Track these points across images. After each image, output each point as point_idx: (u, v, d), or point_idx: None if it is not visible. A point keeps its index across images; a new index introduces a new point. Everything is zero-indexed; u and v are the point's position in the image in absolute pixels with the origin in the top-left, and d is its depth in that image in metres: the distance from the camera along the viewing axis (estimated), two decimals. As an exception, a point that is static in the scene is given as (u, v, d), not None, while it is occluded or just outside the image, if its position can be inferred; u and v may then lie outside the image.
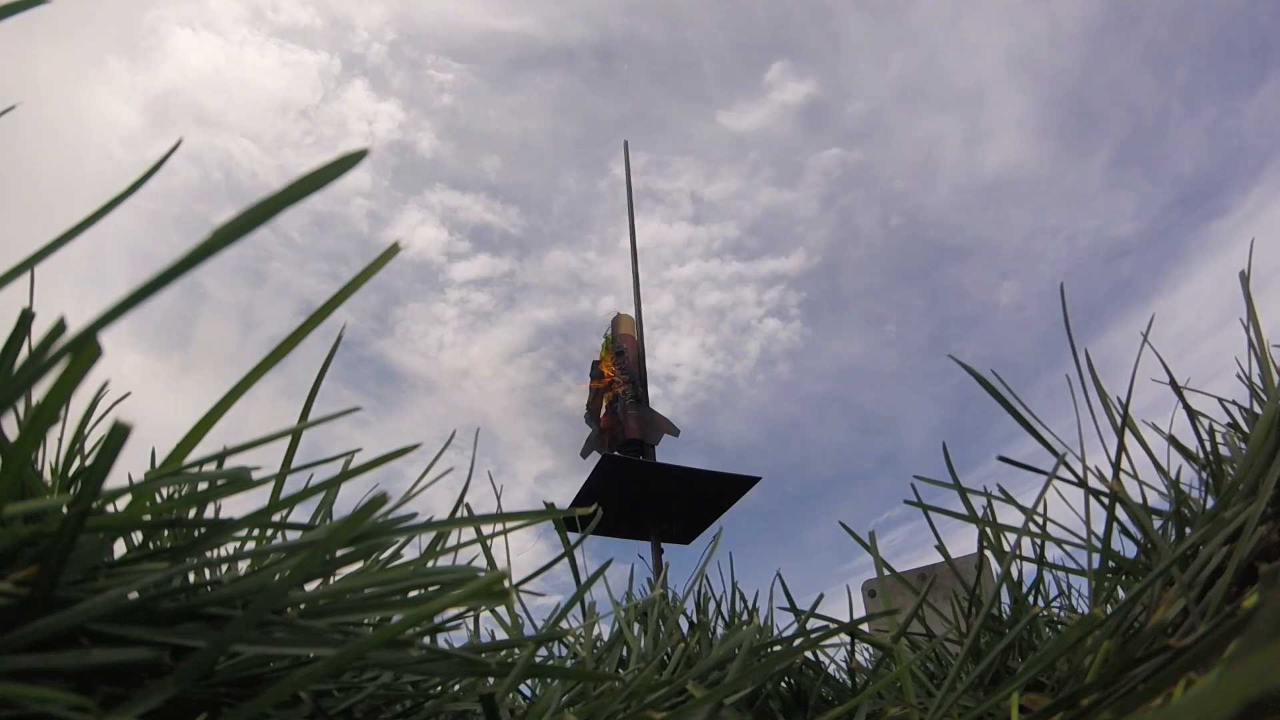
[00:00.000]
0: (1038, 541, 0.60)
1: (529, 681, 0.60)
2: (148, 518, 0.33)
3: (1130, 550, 0.56)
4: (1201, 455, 0.57)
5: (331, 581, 0.36)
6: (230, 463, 0.36)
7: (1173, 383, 0.62)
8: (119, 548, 0.32)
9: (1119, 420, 0.57)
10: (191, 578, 0.36)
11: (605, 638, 0.71)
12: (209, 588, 0.30)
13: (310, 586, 0.35)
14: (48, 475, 0.47)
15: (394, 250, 0.26)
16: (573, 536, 0.61)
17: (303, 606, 0.30)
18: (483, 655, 0.38)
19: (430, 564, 0.49)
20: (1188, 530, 0.53)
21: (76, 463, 0.47)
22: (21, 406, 0.41)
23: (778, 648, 0.60)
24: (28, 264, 0.24)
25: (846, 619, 0.56)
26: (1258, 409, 0.61)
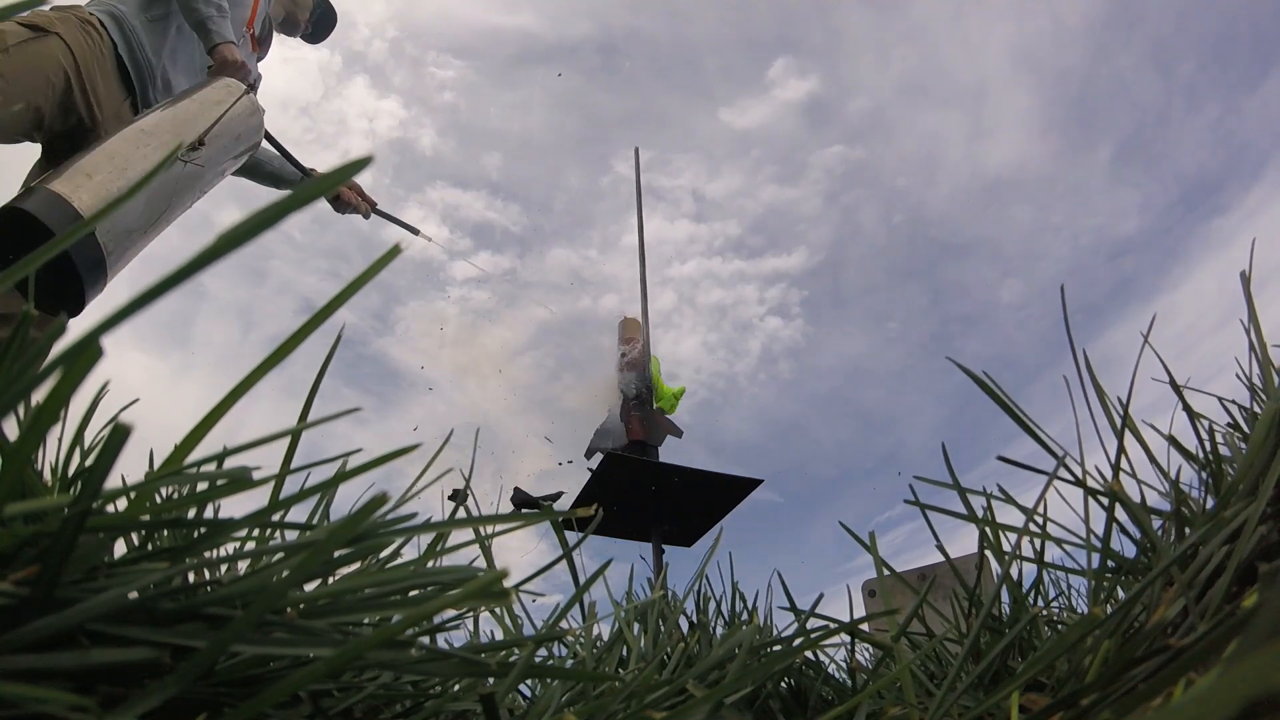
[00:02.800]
0: (1038, 541, 0.60)
1: (529, 681, 0.60)
2: (148, 518, 0.33)
3: (1130, 550, 0.56)
4: (1201, 455, 0.57)
5: (331, 582, 0.36)
6: (230, 463, 0.36)
7: (1172, 383, 0.62)
8: (119, 548, 0.32)
9: (1119, 420, 0.57)
10: (191, 578, 0.36)
11: (605, 638, 0.71)
12: (209, 588, 0.30)
13: (310, 586, 0.35)
14: (48, 475, 0.47)
15: (395, 252, 0.26)
16: (573, 537, 0.61)
17: (302, 607, 0.30)
18: (483, 655, 0.38)
19: (430, 564, 0.49)
20: (1187, 530, 0.53)
21: (77, 463, 0.47)
22: (22, 406, 0.41)
23: (778, 647, 0.60)
24: (27, 264, 0.24)
25: (846, 619, 0.56)
26: (1258, 409, 0.61)
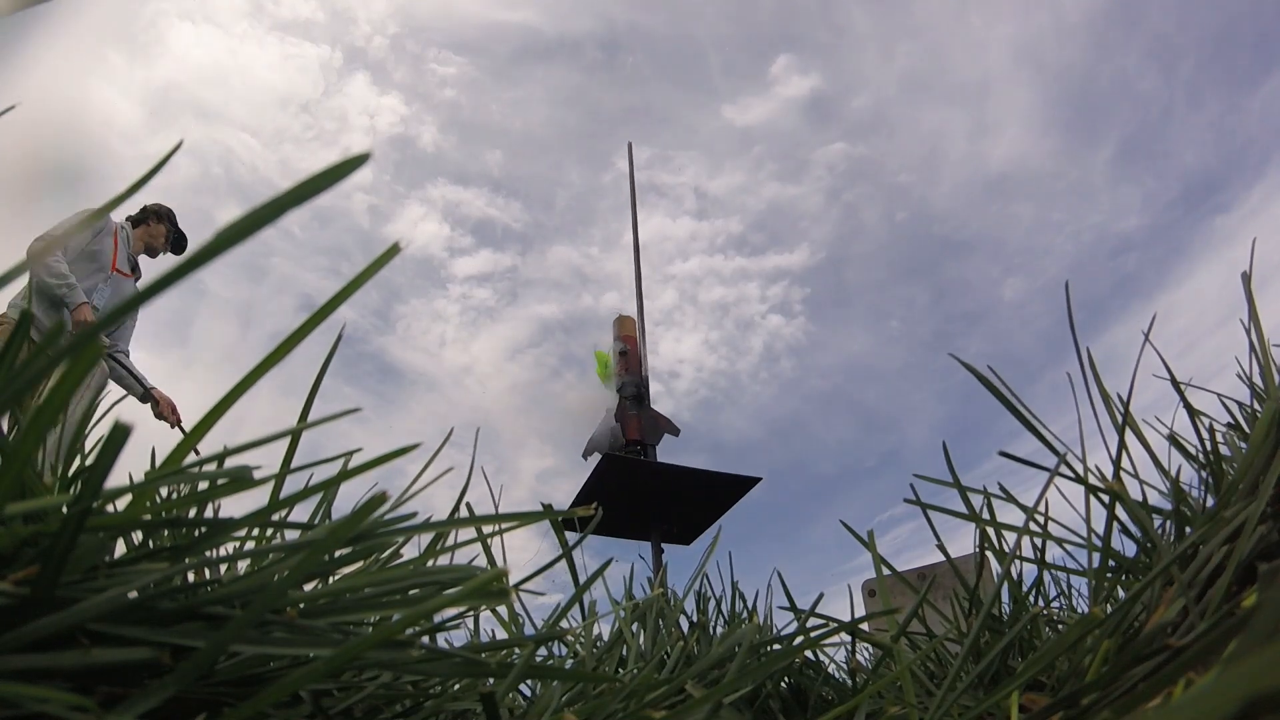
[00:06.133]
0: (1038, 541, 0.60)
1: (529, 681, 0.60)
2: (148, 517, 0.33)
3: (1130, 549, 0.56)
4: (1202, 454, 0.57)
5: (331, 581, 0.36)
6: (230, 462, 0.36)
7: (1173, 381, 0.62)
8: (119, 547, 0.31)
9: (1120, 419, 0.57)
10: (191, 577, 0.36)
11: (605, 637, 0.71)
12: (209, 587, 0.30)
13: (309, 586, 0.35)
14: (48, 475, 0.47)
15: (395, 251, 0.26)
16: (573, 536, 0.61)
17: (302, 606, 0.30)
18: (483, 655, 0.38)
19: (430, 563, 0.49)
20: (1188, 529, 0.53)
21: (77, 462, 0.47)
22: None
23: (777, 647, 0.60)
24: (27, 262, 0.24)
25: (847, 618, 0.56)
26: (1258, 408, 0.61)
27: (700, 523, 4.11)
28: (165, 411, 3.05)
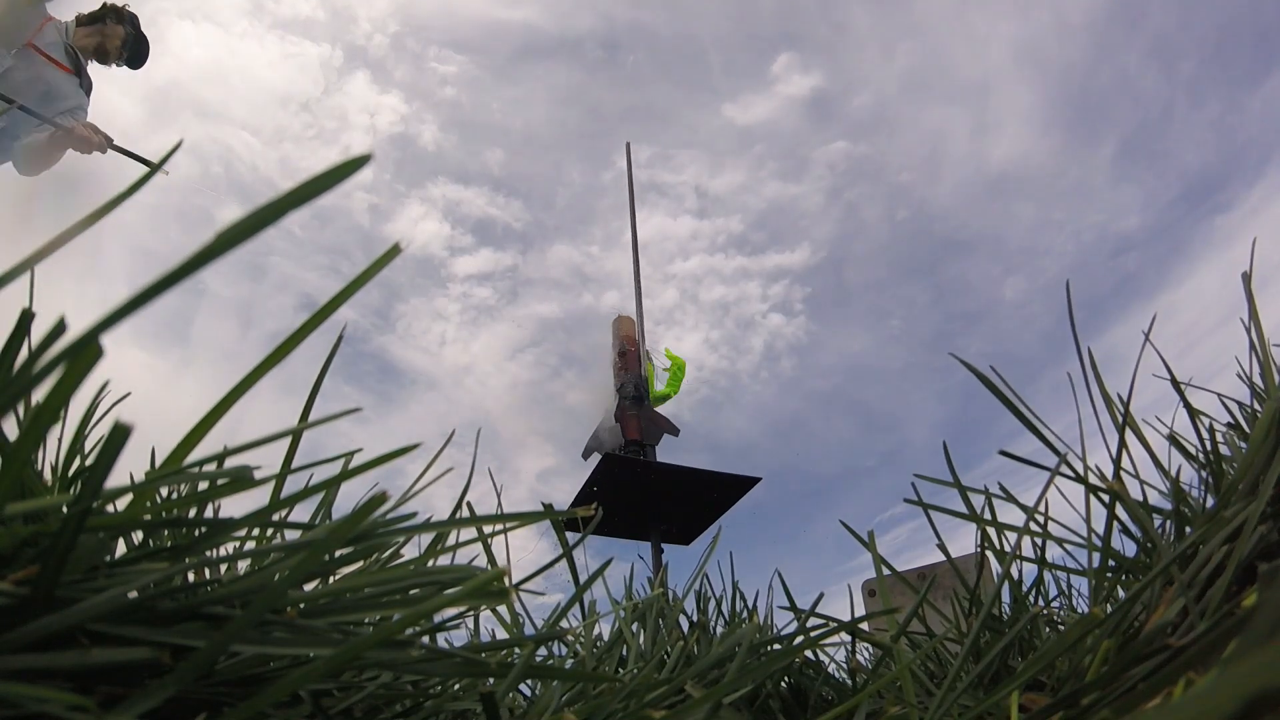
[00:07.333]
0: (1038, 540, 0.60)
1: (529, 681, 0.60)
2: (148, 517, 0.33)
3: (1130, 549, 0.56)
4: (1202, 454, 0.57)
5: (331, 581, 0.36)
6: (230, 462, 0.36)
7: (1173, 381, 0.62)
8: (119, 547, 0.31)
9: (1120, 419, 0.57)
10: (191, 577, 0.36)
11: (605, 637, 0.71)
12: (209, 587, 0.30)
13: (310, 586, 0.35)
14: (48, 475, 0.47)
15: (395, 251, 0.26)
16: (573, 536, 0.61)
17: (302, 606, 0.30)
18: (483, 655, 0.38)
19: (430, 563, 0.49)
20: (1188, 529, 0.53)
21: (77, 462, 0.47)
22: (22, 406, 0.41)
23: (777, 646, 0.60)
24: (28, 263, 0.24)
25: (847, 618, 0.56)
26: (1258, 408, 0.61)
27: (700, 523, 4.11)
28: (89, 135, 2.57)
